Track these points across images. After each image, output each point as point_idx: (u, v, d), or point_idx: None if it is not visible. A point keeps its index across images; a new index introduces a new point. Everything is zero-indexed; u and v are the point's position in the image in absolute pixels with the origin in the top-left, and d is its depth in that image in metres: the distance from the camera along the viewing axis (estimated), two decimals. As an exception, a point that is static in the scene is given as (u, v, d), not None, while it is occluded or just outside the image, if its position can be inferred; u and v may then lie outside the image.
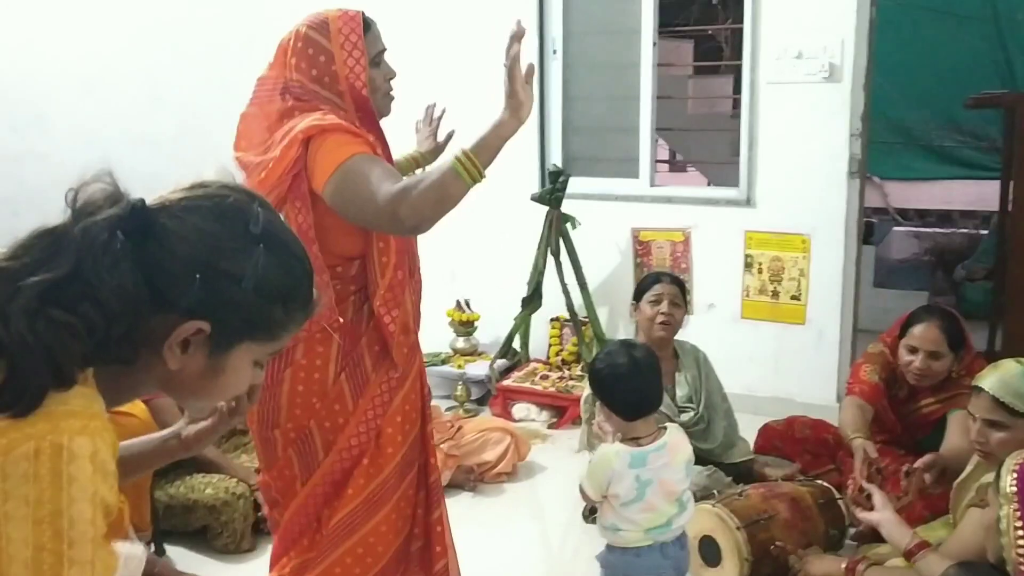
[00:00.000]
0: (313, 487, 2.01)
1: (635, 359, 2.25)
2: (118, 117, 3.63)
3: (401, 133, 4.87)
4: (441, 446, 3.49)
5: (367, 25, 2.01)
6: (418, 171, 2.57)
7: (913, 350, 3.03)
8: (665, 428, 2.27)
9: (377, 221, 1.82)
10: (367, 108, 1.99)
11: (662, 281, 3.31)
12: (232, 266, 1.01)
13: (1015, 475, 1.82)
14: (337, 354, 1.98)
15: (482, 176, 1.83)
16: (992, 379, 2.26)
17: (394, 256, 1.98)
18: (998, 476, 1.86)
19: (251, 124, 2.02)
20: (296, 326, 1.11)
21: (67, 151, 3.47)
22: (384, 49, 2.07)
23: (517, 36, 1.87)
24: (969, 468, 2.40)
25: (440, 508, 2.18)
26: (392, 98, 2.11)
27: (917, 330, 3.03)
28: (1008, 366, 2.27)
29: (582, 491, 2.29)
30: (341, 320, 1.96)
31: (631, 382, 2.23)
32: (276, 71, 2.00)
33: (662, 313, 3.21)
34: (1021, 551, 1.76)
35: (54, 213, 3.55)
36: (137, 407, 2.72)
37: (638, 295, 3.36)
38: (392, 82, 2.10)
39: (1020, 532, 1.77)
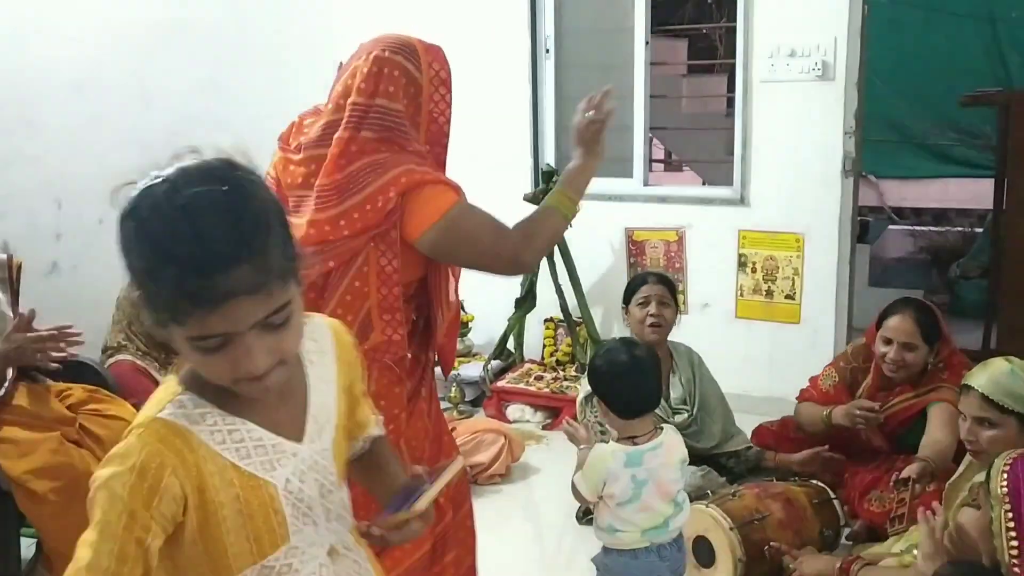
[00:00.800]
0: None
1: (635, 357, 2.25)
2: (107, 119, 3.61)
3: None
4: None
5: None
6: None
7: (888, 341, 3.07)
8: (661, 428, 2.26)
9: (493, 265, 1.95)
10: (443, 146, 2.00)
11: (648, 282, 3.29)
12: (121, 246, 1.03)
13: (1005, 476, 1.81)
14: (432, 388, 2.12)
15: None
16: (982, 377, 2.26)
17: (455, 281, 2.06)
18: (988, 477, 1.85)
19: (316, 131, 1.94)
20: (195, 300, 0.97)
21: (56, 154, 3.45)
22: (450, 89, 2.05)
23: (609, 94, 2.02)
24: (962, 468, 2.39)
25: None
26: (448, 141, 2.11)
27: (892, 321, 3.08)
28: (997, 364, 2.27)
29: (575, 491, 2.26)
30: (409, 355, 1.99)
31: (630, 380, 2.22)
32: (353, 94, 1.91)
33: (651, 315, 3.19)
34: (1014, 552, 1.75)
35: (42, 215, 3.55)
36: (126, 410, 2.70)
37: (627, 298, 3.34)
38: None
39: (1012, 534, 1.76)
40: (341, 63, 2.02)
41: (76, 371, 2.89)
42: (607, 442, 2.24)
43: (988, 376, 2.25)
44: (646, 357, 2.27)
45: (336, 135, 1.90)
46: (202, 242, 0.96)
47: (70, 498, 2.41)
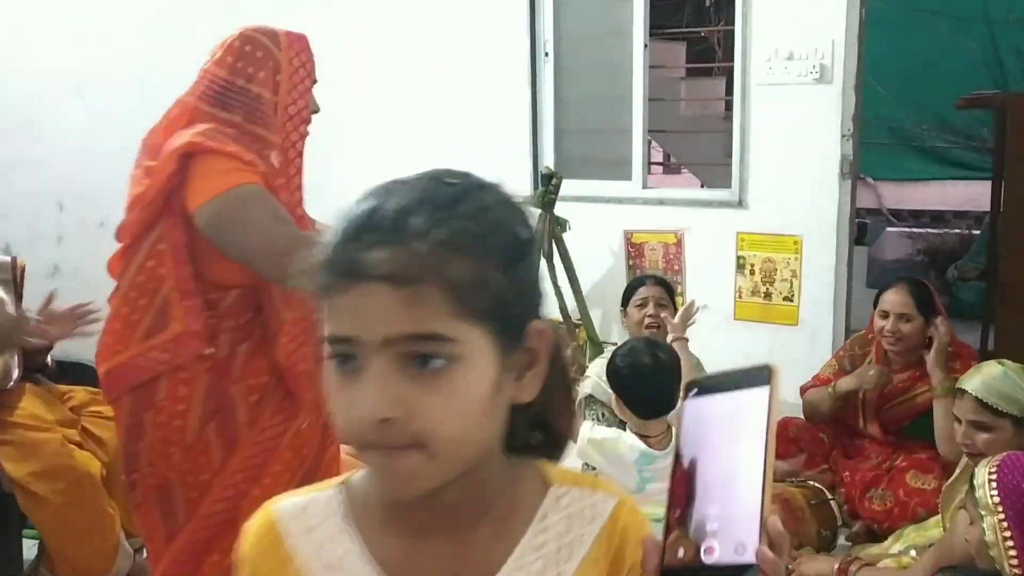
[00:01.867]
0: (176, 553, 1.80)
1: (658, 359, 2.26)
2: (108, 124, 3.61)
3: (397, 138, 4.85)
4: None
5: None
6: None
7: (885, 315, 3.15)
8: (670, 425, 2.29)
9: (262, 263, 1.71)
10: (299, 132, 1.89)
11: (646, 284, 3.30)
12: None
13: (994, 485, 1.80)
14: (204, 397, 1.77)
15: None
16: (975, 381, 2.28)
17: None
18: (972, 488, 1.82)
19: (167, 115, 1.87)
20: (333, 265, 0.76)
21: (57, 157, 3.47)
22: (316, 81, 1.98)
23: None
24: (958, 470, 2.41)
25: None
26: (308, 133, 1.96)
27: (887, 295, 3.18)
28: (990, 368, 2.30)
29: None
30: (213, 350, 1.76)
31: (652, 381, 2.25)
32: (210, 65, 1.88)
33: (649, 316, 3.20)
34: (1014, 563, 1.74)
35: (44, 218, 3.56)
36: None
37: (625, 300, 3.35)
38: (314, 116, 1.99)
39: (1010, 543, 1.74)
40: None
41: (77, 373, 2.91)
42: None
43: (981, 379, 2.28)
44: (667, 359, 2.28)
45: (180, 97, 1.85)
46: (382, 209, 0.75)
47: (72, 500, 2.43)
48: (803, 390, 3.47)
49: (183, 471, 1.78)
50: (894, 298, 3.15)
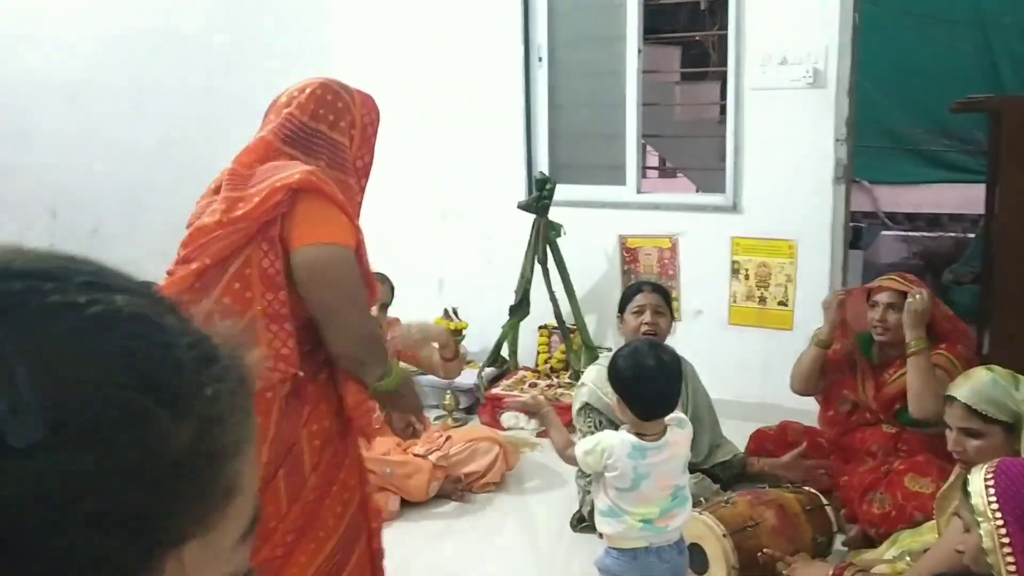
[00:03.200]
0: None
1: (661, 361, 2.28)
2: (101, 128, 3.61)
3: (390, 143, 4.80)
4: (429, 457, 3.49)
5: None
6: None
7: (874, 305, 3.21)
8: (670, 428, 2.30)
9: (351, 333, 1.79)
10: (362, 185, 1.96)
11: (643, 291, 3.26)
12: None
13: (992, 491, 1.79)
14: (275, 438, 1.75)
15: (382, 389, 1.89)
16: (964, 389, 2.29)
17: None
18: (967, 495, 1.80)
19: (248, 148, 1.89)
20: None
21: (49, 163, 3.45)
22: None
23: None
24: (952, 478, 2.40)
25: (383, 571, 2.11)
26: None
27: (876, 285, 3.25)
28: (979, 374, 2.30)
29: (571, 460, 2.33)
30: (302, 373, 1.77)
31: (654, 384, 2.25)
32: (286, 108, 1.89)
33: (646, 324, 3.15)
34: (1011, 569, 1.72)
35: (36, 224, 3.55)
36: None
37: (621, 306, 3.31)
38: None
39: (1007, 550, 1.73)
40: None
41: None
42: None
43: (970, 387, 2.28)
44: (670, 361, 2.29)
45: (262, 135, 1.87)
46: None
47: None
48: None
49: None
50: (882, 287, 3.22)
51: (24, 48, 3.37)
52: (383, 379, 1.84)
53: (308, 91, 1.89)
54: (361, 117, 1.93)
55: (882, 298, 3.19)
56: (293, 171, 1.75)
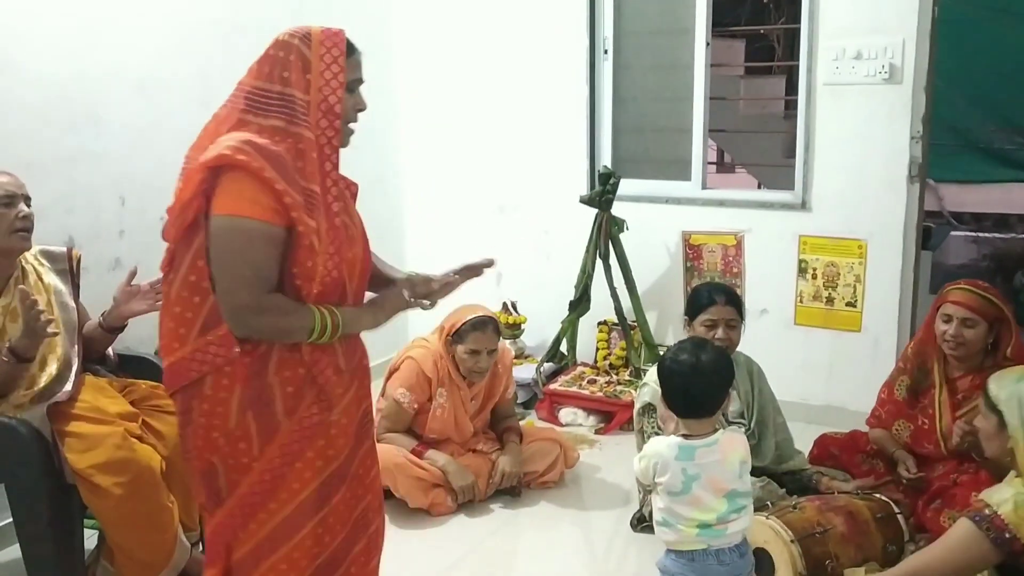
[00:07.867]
0: (216, 526, 1.94)
1: (700, 360, 2.26)
2: (169, 118, 3.65)
3: (454, 137, 4.81)
4: (491, 455, 3.50)
5: (351, 49, 1.95)
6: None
7: (948, 319, 3.04)
8: (718, 428, 2.27)
9: (223, 299, 1.81)
10: (334, 127, 1.90)
11: (716, 303, 3.06)
12: None
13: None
14: (244, 387, 1.86)
15: (334, 339, 1.91)
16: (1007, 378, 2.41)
17: (317, 287, 1.87)
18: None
19: (206, 128, 1.95)
20: None
21: (119, 151, 3.50)
22: (362, 80, 1.99)
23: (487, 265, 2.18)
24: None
25: (378, 556, 2.14)
26: (352, 131, 1.99)
27: (952, 297, 3.05)
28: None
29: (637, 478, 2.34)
30: (238, 350, 1.84)
31: (689, 381, 2.24)
32: (247, 78, 1.94)
33: (718, 339, 3.00)
34: None
35: (106, 212, 3.60)
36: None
37: (692, 313, 3.14)
38: (360, 115, 2.00)
39: None
40: None
41: (137, 367, 2.93)
42: None
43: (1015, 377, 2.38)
44: (712, 361, 2.27)
45: (216, 111, 1.94)
46: None
47: (132, 492, 2.44)
48: (869, 421, 3.41)
49: (225, 455, 1.88)
50: (960, 299, 3.02)
51: (99, 39, 3.42)
52: (311, 337, 1.86)
53: (262, 54, 1.93)
54: (321, 57, 1.89)
55: (957, 312, 3.01)
56: (215, 148, 1.80)
